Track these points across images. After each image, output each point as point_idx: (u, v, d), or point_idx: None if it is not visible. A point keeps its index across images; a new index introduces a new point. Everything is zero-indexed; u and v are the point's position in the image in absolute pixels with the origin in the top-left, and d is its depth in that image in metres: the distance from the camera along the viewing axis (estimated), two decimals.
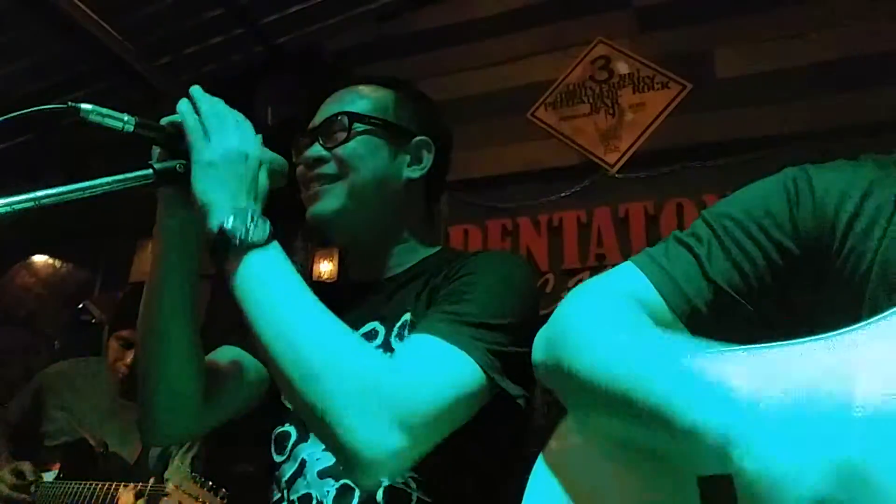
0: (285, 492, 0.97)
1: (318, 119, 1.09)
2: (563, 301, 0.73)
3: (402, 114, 1.10)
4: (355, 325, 1.02)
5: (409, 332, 0.95)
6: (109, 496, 1.95)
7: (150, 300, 0.93)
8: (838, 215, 0.66)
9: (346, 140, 1.04)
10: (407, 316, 0.99)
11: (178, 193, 0.88)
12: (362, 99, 1.09)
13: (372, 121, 1.06)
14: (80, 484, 2.02)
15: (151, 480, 1.88)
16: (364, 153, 1.04)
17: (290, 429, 1.01)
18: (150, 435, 1.00)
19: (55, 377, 2.33)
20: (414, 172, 1.09)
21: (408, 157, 1.09)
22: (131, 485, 1.91)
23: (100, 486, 1.99)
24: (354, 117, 1.05)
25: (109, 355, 2.25)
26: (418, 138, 1.10)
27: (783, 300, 0.68)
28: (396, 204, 1.08)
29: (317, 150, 1.05)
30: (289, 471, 0.98)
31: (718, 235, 0.70)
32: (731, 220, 0.70)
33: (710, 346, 0.55)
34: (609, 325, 0.65)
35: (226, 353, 1.07)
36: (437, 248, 1.13)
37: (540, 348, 0.74)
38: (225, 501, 1.69)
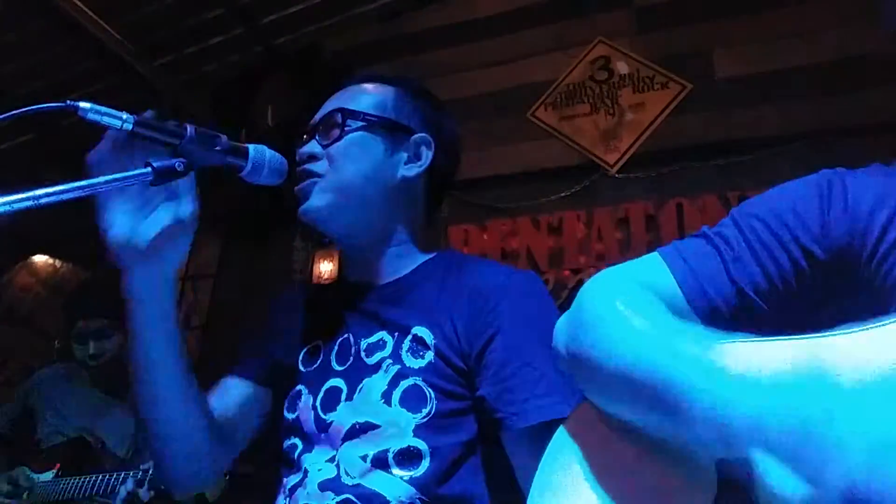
0: (288, 499, 0.96)
1: (318, 116, 1.08)
2: (584, 286, 0.72)
3: (403, 110, 1.07)
4: (362, 333, 1.00)
5: (421, 348, 0.94)
6: (110, 487, 1.95)
7: (137, 358, 0.87)
8: (871, 222, 0.64)
9: (340, 137, 1.02)
10: (416, 330, 0.96)
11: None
12: (361, 96, 1.07)
13: (366, 117, 1.04)
14: (80, 478, 2.02)
15: (151, 464, 1.87)
16: (354, 151, 1.02)
17: (296, 441, 1.00)
18: (176, 489, 1.03)
19: (40, 383, 2.35)
20: (410, 170, 1.05)
21: (405, 155, 1.06)
22: (132, 473, 1.92)
23: (100, 477, 1.99)
24: (347, 114, 1.03)
25: (75, 356, 2.26)
26: (417, 135, 1.07)
27: (806, 305, 0.67)
28: (392, 203, 1.05)
29: (311, 146, 1.04)
30: (293, 480, 0.97)
31: (746, 238, 0.69)
32: (759, 222, 0.69)
33: (728, 335, 0.54)
34: (629, 312, 0.63)
35: (228, 386, 1.07)
36: (434, 254, 1.10)
37: (561, 334, 0.73)
38: (227, 477, 1.70)
